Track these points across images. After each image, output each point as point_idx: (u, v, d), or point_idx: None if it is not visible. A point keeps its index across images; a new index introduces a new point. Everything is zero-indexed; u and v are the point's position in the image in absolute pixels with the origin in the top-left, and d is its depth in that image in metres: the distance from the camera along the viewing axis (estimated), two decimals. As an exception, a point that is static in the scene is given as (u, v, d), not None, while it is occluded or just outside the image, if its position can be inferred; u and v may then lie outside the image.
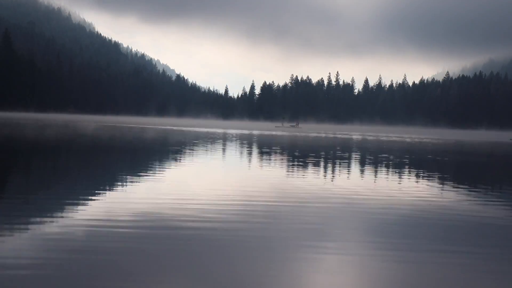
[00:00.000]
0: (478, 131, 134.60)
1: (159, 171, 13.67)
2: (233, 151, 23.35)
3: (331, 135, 55.89)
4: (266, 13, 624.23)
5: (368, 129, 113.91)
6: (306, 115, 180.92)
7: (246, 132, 55.79)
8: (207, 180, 12.34)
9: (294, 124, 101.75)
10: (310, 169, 16.02)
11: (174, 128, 58.44)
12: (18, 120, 61.91)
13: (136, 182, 11.27)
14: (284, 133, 58.88)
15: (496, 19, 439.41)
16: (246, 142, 32.75)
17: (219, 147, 25.61)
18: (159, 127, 59.84)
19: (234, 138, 37.14)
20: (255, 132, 57.90)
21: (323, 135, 56.57)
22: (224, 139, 35.17)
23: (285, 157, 21.03)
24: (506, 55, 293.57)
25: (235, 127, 75.22)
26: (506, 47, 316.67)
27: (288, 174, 14.29)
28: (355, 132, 78.85)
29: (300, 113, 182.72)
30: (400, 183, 13.29)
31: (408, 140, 49.51)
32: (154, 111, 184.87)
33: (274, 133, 57.31)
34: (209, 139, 32.51)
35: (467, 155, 28.98)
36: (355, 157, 22.50)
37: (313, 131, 68.99)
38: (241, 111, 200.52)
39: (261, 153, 23.08)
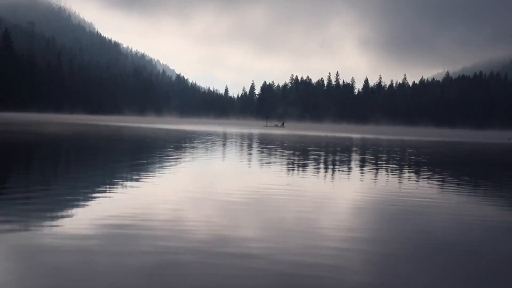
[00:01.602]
0: (478, 131, 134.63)
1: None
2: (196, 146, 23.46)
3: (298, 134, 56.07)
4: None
5: (358, 129, 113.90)
6: (306, 115, 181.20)
7: (221, 130, 55.96)
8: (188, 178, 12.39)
9: (278, 123, 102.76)
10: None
11: (151, 126, 58.70)
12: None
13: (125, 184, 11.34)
14: (260, 131, 59.27)
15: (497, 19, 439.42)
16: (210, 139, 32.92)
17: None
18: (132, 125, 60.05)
19: (208, 136, 37.37)
20: (231, 130, 58.12)
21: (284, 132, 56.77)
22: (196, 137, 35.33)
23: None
24: (506, 55, 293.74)
25: (225, 125, 76.15)
26: (506, 47, 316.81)
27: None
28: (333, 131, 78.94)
29: (299, 112, 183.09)
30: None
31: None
32: (154, 111, 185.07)
33: (248, 131, 57.35)
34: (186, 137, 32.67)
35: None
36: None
37: (290, 130, 69.34)
38: (241, 111, 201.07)
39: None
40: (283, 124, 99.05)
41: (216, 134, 40.78)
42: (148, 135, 36.51)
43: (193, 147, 23.22)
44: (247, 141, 32.72)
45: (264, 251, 5.63)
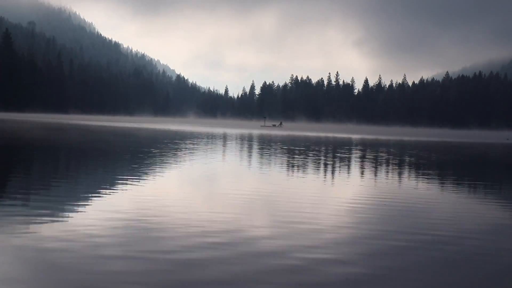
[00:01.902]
0: (477, 131, 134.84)
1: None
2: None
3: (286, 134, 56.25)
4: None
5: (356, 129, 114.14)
6: (305, 115, 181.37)
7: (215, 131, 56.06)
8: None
9: (276, 123, 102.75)
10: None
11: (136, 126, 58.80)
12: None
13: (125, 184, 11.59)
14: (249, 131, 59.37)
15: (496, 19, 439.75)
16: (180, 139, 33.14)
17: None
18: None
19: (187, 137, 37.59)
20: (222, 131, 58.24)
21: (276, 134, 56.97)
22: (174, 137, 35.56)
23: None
24: (506, 55, 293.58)
25: (223, 126, 75.90)
26: (505, 47, 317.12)
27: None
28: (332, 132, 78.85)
29: (299, 113, 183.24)
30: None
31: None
32: (154, 111, 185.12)
33: (242, 132, 57.04)
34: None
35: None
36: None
37: (287, 130, 69.03)
38: (241, 111, 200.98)
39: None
40: (280, 124, 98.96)
41: (211, 136, 40.94)
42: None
43: (188, 149, 23.46)
44: (240, 143, 32.97)
45: (273, 246, 5.90)
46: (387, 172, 16.03)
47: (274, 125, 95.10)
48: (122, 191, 9.52)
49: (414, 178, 14.36)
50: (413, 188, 11.95)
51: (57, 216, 7.04)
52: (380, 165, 18.36)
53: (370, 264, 5.36)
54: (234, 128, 68.40)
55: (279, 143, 30.99)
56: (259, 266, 5.09)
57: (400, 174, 15.41)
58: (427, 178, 14.53)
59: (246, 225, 6.94)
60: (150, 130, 46.42)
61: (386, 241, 6.37)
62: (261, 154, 21.87)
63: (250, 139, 37.46)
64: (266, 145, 28.74)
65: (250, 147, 26.98)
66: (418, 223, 7.61)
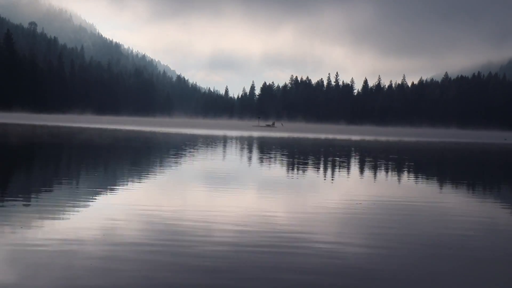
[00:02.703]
0: (476, 131, 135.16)
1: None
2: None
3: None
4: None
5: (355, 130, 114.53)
6: (306, 115, 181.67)
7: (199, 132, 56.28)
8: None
9: (269, 123, 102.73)
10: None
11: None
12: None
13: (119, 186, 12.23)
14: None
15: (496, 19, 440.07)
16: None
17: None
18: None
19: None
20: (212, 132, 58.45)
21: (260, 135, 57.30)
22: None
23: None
24: (505, 56, 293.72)
25: (215, 128, 74.75)
26: (504, 48, 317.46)
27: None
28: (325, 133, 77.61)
29: (298, 113, 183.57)
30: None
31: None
32: (154, 111, 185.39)
33: (230, 134, 55.77)
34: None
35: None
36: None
37: (281, 131, 68.39)
38: (241, 111, 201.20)
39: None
40: (273, 124, 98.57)
41: (193, 139, 41.02)
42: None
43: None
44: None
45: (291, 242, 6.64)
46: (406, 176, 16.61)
47: (268, 125, 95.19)
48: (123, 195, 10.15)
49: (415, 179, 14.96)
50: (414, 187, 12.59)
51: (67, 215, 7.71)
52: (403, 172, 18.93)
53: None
54: (224, 130, 64.46)
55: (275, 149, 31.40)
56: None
57: (400, 174, 16.05)
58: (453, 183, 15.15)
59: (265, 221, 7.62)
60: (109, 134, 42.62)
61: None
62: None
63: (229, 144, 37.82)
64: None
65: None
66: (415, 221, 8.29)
